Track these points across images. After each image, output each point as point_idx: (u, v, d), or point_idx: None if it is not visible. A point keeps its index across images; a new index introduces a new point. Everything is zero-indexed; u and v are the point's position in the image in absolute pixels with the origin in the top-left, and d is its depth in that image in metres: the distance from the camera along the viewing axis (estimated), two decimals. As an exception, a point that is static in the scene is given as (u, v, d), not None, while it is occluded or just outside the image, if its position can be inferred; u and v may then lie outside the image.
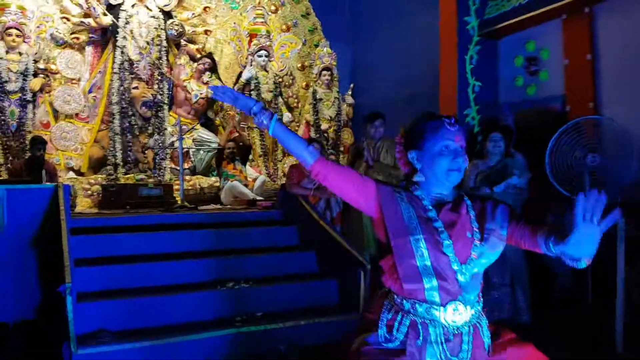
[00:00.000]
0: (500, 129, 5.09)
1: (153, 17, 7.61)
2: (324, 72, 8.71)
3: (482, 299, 1.85)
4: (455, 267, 1.74)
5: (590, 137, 4.97)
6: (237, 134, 7.80)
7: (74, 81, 7.48)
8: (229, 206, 6.68)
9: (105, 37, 7.68)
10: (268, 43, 8.45)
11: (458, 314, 1.75)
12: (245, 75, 8.25)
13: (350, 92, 9.20)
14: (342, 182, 1.84)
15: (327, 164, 1.84)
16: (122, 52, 7.41)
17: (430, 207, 1.80)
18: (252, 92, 8.29)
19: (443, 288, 1.74)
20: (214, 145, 7.83)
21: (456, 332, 1.75)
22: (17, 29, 7.07)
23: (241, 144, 7.70)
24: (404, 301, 1.79)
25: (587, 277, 5.01)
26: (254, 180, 7.44)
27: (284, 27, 9.12)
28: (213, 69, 8.12)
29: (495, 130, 5.04)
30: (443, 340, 1.74)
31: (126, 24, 7.43)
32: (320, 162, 1.82)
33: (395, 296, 1.82)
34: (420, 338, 1.74)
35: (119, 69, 7.39)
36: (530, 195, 4.99)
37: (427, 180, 1.84)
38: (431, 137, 1.81)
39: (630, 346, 3.87)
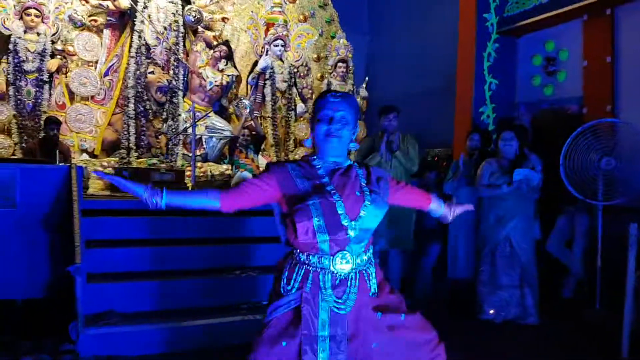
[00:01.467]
0: (514, 128, 5.02)
1: (171, 2, 7.60)
2: (340, 64, 8.67)
3: (370, 250, 2.12)
4: (345, 223, 1.98)
5: (607, 140, 4.92)
6: (251, 123, 7.79)
7: (90, 64, 7.50)
8: (239, 194, 6.69)
9: (123, 21, 7.69)
10: (285, 33, 8.42)
11: (345, 263, 2.00)
12: (260, 65, 8.23)
13: (364, 85, 9.15)
14: (252, 200, 2.06)
15: (230, 196, 2.04)
16: (140, 37, 7.41)
17: (324, 174, 2.06)
18: (266, 82, 8.28)
19: (333, 240, 1.98)
20: (227, 134, 7.84)
21: (343, 278, 2.01)
22: (36, 9, 7.09)
23: (254, 133, 7.70)
24: (301, 254, 2.04)
25: (597, 281, 4.98)
26: (266, 170, 7.43)
27: (301, 17, 9.08)
28: (229, 56, 8.11)
29: (508, 129, 4.97)
30: (330, 286, 1.99)
31: (144, 8, 7.43)
32: (224, 198, 2.02)
33: (295, 250, 2.07)
34: (310, 284, 2.00)
35: (136, 53, 7.40)
36: (541, 197, 4.95)
37: (320, 149, 2.10)
38: (317, 110, 2.08)
39: (635, 352, 3.85)
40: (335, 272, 1.99)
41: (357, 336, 1.99)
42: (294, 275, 2.02)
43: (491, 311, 4.70)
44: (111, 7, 7.49)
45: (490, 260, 4.76)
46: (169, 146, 7.49)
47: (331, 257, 1.99)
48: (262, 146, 8.02)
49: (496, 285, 4.70)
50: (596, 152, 4.90)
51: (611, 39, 5.55)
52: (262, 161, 7.70)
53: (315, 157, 2.12)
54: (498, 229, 4.71)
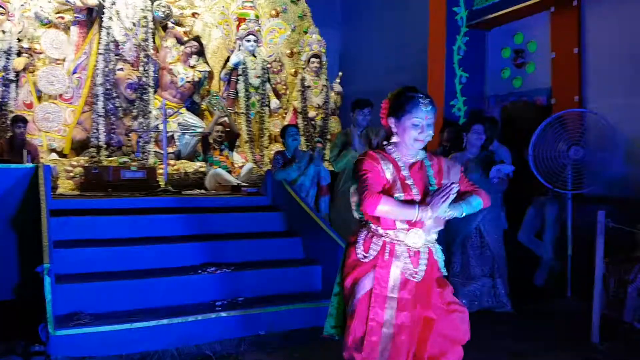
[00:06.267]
0: (484, 121, 5.08)
1: (140, -3, 7.49)
2: (313, 59, 8.65)
3: (438, 232, 2.41)
4: None
5: (574, 130, 5.01)
6: (224, 119, 7.73)
7: (58, 61, 7.35)
8: (213, 191, 6.64)
9: (90, 17, 7.56)
10: (257, 28, 8.36)
11: (417, 238, 2.29)
12: (233, 60, 8.17)
13: (338, 80, 9.15)
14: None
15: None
16: (108, 33, 7.29)
17: (404, 167, 2.35)
18: (239, 78, 8.22)
19: (409, 222, 2.27)
20: (200, 130, 7.76)
21: (416, 250, 2.32)
22: (1, 6, 6.93)
23: (228, 129, 7.64)
24: (379, 228, 2.33)
25: (568, 269, 5.07)
26: (241, 167, 7.39)
27: (273, 12, 9.03)
28: (200, 52, 8.03)
29: (479, 121, 5.03)
30: (407, 255, 2.30)
31: (112, 4, 7.31)
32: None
33: (371, 225, 2.36)
34: (387, 253, 2.30)
35: (104, 50, 7.28)
36: (510, 188, 5.00)
37: (403, 145, 2.36)
38: (406, 111, 2.32)
39: (605, 338, 3.93)
40: (408, 245, 2.30)
41: (420, 302, 2.32)
42: (372, 244, 2.33)
43: None
44: (78, 3, 7.36)
45: (461, 252, 4.81)
46: (140, 144, 7.38)
47: (406, 232, 2.29)
48: (237, 142, 7.97)
49: (468, 276, 4.76)
50: (565, 141, 4.99)
51: (578, 30, 5.63)
52: (236, 158, 7.65)
53: (393, 148, 2.38)
54: (469, 221, 4.75)
